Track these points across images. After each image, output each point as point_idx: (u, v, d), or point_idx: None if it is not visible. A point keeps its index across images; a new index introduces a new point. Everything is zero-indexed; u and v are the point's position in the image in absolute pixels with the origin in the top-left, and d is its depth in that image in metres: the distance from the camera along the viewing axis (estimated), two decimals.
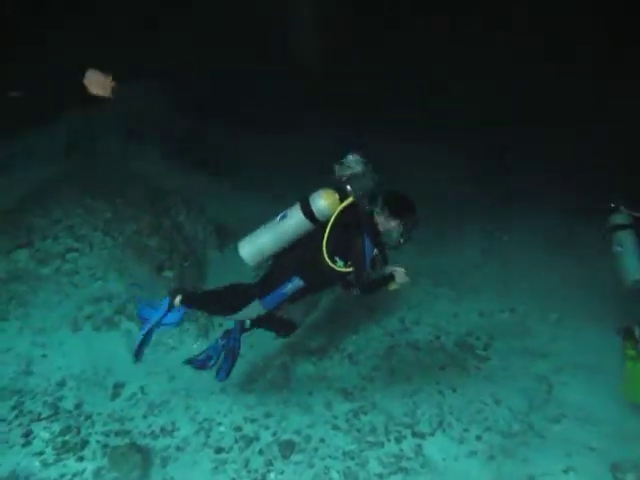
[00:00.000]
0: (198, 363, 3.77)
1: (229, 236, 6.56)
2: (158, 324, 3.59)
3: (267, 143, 9.49)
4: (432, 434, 3.61)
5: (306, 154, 9.04)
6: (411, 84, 10.58)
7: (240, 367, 4.12)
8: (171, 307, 3.60)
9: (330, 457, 3.35)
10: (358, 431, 3.60)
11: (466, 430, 3.65)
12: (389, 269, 3.58)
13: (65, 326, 4.26)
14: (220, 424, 3.55)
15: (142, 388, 3.82)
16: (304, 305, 3.98)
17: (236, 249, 3.51)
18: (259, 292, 3.55)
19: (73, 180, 5.91)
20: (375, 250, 3.42)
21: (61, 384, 3.80)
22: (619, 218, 4.15)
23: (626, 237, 4.02)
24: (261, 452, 3.36)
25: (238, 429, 3.52)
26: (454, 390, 4.07)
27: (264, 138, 9.54)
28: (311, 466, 3.29)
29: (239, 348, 3.86)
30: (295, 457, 3.34)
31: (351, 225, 3.35)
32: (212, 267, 5.83)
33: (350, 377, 4.19)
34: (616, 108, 9.22)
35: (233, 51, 10.27)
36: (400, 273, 3.55)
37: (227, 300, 3.65)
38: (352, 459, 3.35)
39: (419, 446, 3.51)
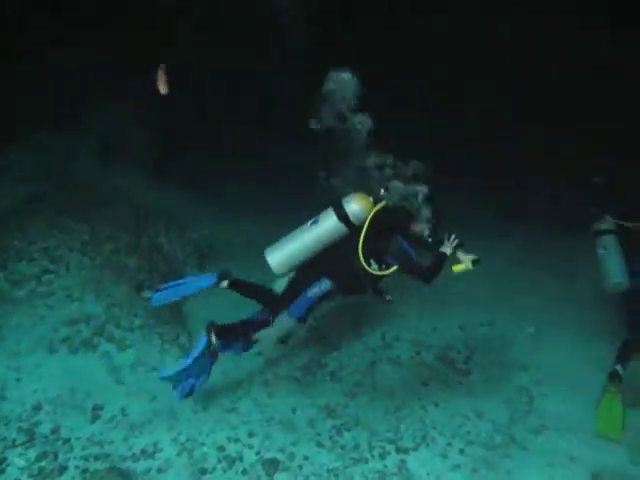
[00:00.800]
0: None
1: (209, 256, 6.54)
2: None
3: (250, 160, 9.54)
4: (415, 449, 3.62)
5: (290, 170, 9.12)
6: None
7: (223, 385, 4.08)
8: (209, 344, 3.54)
9: (314, 474, 3.32)
10: (342, 448, 3.58)
11: (449, 444, 3.67)
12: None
13: (40, 349, 4.16)
14: (203, 444, 3.49)
15: (122, 410, 3.74)
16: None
17: (264, 257, 3.50)
18: (283, 302, 3.56)
19: (49, 200, 5.83)
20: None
21: (37, 408, 3.70)
22: (602, 224, 4.27)
23: (610, 241, 4.14)
24: (245, 472, 3.31)
25: (221, 449, 3.47)
26: (436, 405, 4.09)
27: (247, 154, 9.61)
28: None
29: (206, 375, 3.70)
30: (279, 475, 3.30)
31: (386, 228, 3.41)
32: None
33: (333, 394, 4.17)
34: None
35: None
36: (465, 255, 3.53)
37: (260, 316, 3.65)
38: (336, 476, 3.33)
39: (403, 461, 3.50)
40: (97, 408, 3.75)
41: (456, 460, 3.53)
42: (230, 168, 9.28)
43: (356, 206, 3.38)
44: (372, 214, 3.39)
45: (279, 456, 3.44)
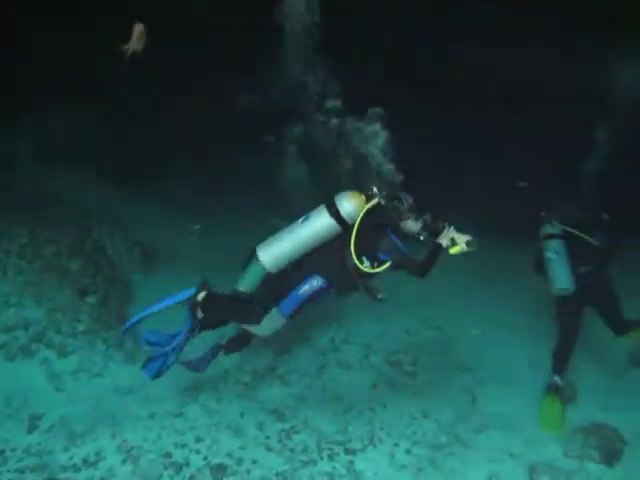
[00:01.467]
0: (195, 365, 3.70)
1: (155, 259, 6.42)
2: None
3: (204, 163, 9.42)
4: (363, 450, 3.66)
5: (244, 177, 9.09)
6: None
7: (170, 391, 4.00)
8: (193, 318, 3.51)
9: (263, 478, 3.30)
10: (291, 451, 3.58)
11: (396, 444, 3.73)
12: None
13: None
14: (149, 451, 3.40)
15: (63, 418, 3.60)
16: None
17: (255, 256, 3.45)
18: (274, 299, 3.51)
19: None
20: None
21: None
22: (547, 228, 4.43)
23: (558, 245, 4.27)
24: (192, 478, 3.25)
25: (168, 455, 3.40)
26: (384, 406, 4.16)
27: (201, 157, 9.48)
28: None
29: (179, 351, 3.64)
30: None
31: (379, 225, 3.43)
32: (138, 290, 5.66)
33: (282, 397, 4.17)
34: None
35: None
36: (460, 236, 3.48)
37: (249, 310, 3.56)
38: (285, 479, 3.33)
39: (351, 462, 3.54)
40: (35, 417, 3.61)
41: (403, 460, 3.59)
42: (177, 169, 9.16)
43: (348, 204, 3.39)
44: (364, 211, 3.39)
45: (227, 461, 3.40)
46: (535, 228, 4.57)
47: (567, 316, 4.38)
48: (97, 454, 3.34)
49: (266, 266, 3.47)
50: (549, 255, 4.27)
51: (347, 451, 3.63)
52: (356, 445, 3.69)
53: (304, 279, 3.48)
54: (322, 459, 3.54)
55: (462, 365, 4.79)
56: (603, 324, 4.42)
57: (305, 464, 3.47)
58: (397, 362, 4.79)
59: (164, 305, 3.56)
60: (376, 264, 3.46)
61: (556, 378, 4.13)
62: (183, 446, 3.50)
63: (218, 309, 3.62)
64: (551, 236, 4.35)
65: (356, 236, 3.36)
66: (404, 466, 3.54)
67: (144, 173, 8.56)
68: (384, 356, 4.88)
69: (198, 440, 3.57)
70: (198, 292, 3.56)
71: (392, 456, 3.62)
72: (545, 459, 3.55)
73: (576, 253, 4.25)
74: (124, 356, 4.33)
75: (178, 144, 9.65)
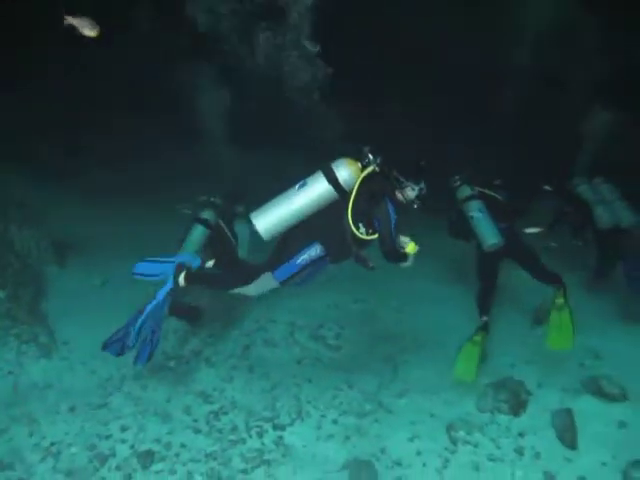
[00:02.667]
0: (115, 346, 3.53)
1: (69, 251, 6.13)
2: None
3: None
4: (291, 424, 3.75)
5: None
6: None
7: (91, 383, 3.90)
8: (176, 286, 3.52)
9: (192, 461, 3.32)
10: (219, 431, 3.61)
11: (323, 416, 3.85)
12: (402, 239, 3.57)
13: None
14: (71, 445, 3.31)
15: None
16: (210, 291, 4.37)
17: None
18: (270, 265, 3.46)
19: None
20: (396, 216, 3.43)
21: None
22: (466, 190, 4.63)
23: (481, 205, 4.48)
24: (118, 468, 3.21)
25: (91, 447, 3.32)
26: (310, 381, 4.26)
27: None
28: (173, 473, 3.24)
29: (159, 331, 3.64)
30: (156, 466, 3.26)
31: (375, 192, 3.39)
32: (52, 284, 5.40)
33: (209, 380, 4.17)
34: None
35: None
36: (411, 243, 3.57)
37: (236, 275, 3.53)
38: (215, 459, 3.36)
39: (280, 437, 3.62)
40: None
41: (330, 430, 3.72)
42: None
43: (345, 171, 3.38)
44: (361, 178, 3.39)
45: (155, 447, 3.39)
46: (449, 193, 4.78)
47: (489, 267, 4.62)
48: (13, 454, 3.21)
49: (261, 233, 3.41)
50: (475, 214, 4.43)
51: (275, 427, 3.71)
52: (284, 420, 3.78)
53: (303, 247, 3.45)
54: (251, 437, 3.60)
55: (383, 334, 4.98)
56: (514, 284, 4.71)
57: (234, 443, 3.52)
58: (321, 337, 4.91)
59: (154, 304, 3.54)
60: (370, 231, 3.46)
61: (485, 318, 4.39)
62: (108, 437, 3.44)
63: (202, 278, 3.67)
64: (471, 197, 4.58)
65: (354, 202, 3.37)
66: (331, 436, 3.67)
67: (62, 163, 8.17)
68: (309, 332, 4.98)
69: (124, 429, 3.52)
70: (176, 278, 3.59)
71: (319, 427, 3.74)
72: (461, 416, 3.80)
73: (493, 212, 4.52)
74: (39, 351, 4.15)
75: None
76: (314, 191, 3.37)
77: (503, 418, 3.73)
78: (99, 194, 8.10)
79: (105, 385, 3.94)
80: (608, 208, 5.17)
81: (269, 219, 3.38)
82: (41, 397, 3.71)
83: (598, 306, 5.35)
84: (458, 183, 4.67)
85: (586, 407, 3.76)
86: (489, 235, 4.34)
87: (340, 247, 3.49)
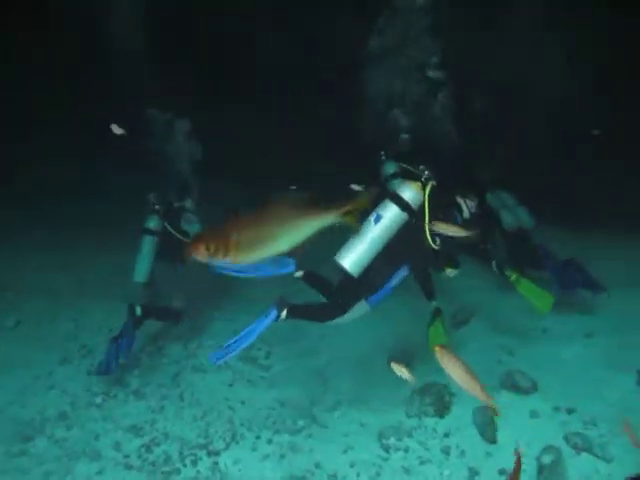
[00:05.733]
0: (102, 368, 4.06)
1: None
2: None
3: None
4: (226, 449, 3.75)
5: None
6: None
7: (10, 428, 3.69)
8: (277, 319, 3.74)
9: None
10: (152, 464, 3.54)
11: (258, 437, 3.88)
12: None
13: None
14: None
15: None
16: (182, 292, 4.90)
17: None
18: (363, 293, 3.73)
19: None
20: None
21: None
22: (390, 167, 4.78)
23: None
24: None
25: None
26: (243, 403, 4.27)
27: None
28: None
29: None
30: None
31: (442, 206, 3.75)
32: None
33: (138, 412, 4.07)
34: None
35: None
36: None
37: (333, 308, 3.78)
38: None
39: (215, 463, 3.61)
40: None
41: (265, 450, 3.75)
42: None
43: (410, 192, 3.66)
44: (427, 197, 3.67)
45: None
46: (375, 169, 4.93)
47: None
48: None
49: (350, 271, 3.58)
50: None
51: (210, 453, 3.69)
52: (219, 445, 3.76)
53: (393, 273, 3.76)
54: (185, 466, 3.56)
55: (311, 350, 5.07)
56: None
57: (168, 474, 3.47)
58: (251, 358, 4.93)
59: (256, 332, 3.77)
60: (438, 241, 3.72)
61: (433, 303, 4.53)
62: None
63: (303, 313, 3.87)
64: (394, 176, 4.76)
65: (428, 219, 3.64)
66: (267, 456, 3.70)
67: None
68: (238, 354, 4.96)
69: (48, 475, 3.36)
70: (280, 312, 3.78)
71: (254, 449, 3.76)
72: (391, 423, 3.95)
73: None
74: None
75: None
76: (389, 220, 3.63)
77: (430, 421, 3.92)
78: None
79: (24, 430, 3.75)
80: (511, 213, 5.61)
81: (355, 257, 3.59)
82: None
83: (512, 304, 5.72)
84: (383, 158, 4.85)
85: (503, 402, 4.02)
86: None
87: (421, 262, 3.83)
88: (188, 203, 5.22)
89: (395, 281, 3.84)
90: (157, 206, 5.02)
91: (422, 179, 3.79)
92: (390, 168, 4.82)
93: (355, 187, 4.30)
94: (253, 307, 5.86)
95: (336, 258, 3.66)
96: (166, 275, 5.08)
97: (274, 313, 3.76)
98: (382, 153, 4.91)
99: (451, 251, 3.84)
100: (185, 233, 5.09)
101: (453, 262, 3.83)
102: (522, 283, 4.26)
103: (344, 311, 3.78)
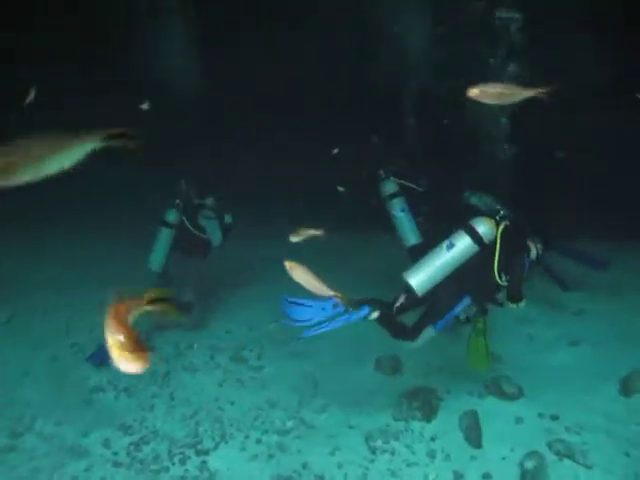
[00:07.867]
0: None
1: None
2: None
3: None
4: (215, 448, 3.78)
5: None
6: None
7: None
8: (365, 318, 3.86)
9: None
10: (141, 462, 3.57)
11: (247, 437, 3.91)
12: None
13: None
14: None
15: None
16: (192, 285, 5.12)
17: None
18: (430, 319, 3.90)
19: None
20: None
21: None
22: (390, 187, 4.83)
23: (402, 203, 4.71)
24: None
25: None
26: (232, 403, 4.31)
27: None
28: None
29: None
30: None
31: (515, 246, 3.87)
32: None
33: (128, 410, 4.10)
34: None
35: None
36: None
37: (408, 331, 3.96)
38: None
39: (204, 462, 3.63)
40: None
41: (254, 450, 3.78)
42: None
43: (484, 227, 3.81)
44: (500, 235, 3.80)
45: None
46: (371, 186, 5.00)
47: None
48: None
49: (417, 290, 3.75)
50: (397, 214, 4.73)
51: (199, 452, 3.72)
52: (208, 445, 3.79)
53: (458, 301, 3.88)
54: (174, 464, 3.59)
55: (302, 353, 5.12)
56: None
57: (157, 473, 3.49)
58: (243, 358, 4.97)
59: (336, 324, 3.85)
60: (504, 277, 3.85)
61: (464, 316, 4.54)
62: None
63: (388, 323, 4.00)
64: (394, 195, 4.81)
65: (499, 255, 3.76)
66: (255, 456, 3.73)
67: None
68: (230, 354, 5.02)
69: (36, 471, 3.38)
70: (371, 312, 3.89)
71: (243, 449, 3.79)
72: (378, 426, 4.00)
73: (412, 203, 4.79)
74: None
75: None
76: (460, 249, 3.78)
77: (417, 425, 3.98)
78: None
79: (15, 426, 3.77)
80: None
81: (423, 278, 3.76)
82: None
83: (499, 311, 5.79)
84: (383, 177, 4.90)
85: (489, 407, 4.10)
86: (408, 237, 4.68)
87: (485, 295, 3.99)
88: (209, 201, 5.32)
89: (458, 309, 3.94)
90: (177, 200, 5.20)
91: (497, 217, 3.95)
92: (390, 187, 4.88)
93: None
94: (251, 307, 5.96)
95: (404, 275, 3.82)
96: (179, 268, 5.32)
97: (366, 310, 3.90)
98: (381, 172, 4.96)
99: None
100: (202, 229, 5.26)
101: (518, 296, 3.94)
102: (478, 338, 4.29)
103: (414, 338, 3.95)
